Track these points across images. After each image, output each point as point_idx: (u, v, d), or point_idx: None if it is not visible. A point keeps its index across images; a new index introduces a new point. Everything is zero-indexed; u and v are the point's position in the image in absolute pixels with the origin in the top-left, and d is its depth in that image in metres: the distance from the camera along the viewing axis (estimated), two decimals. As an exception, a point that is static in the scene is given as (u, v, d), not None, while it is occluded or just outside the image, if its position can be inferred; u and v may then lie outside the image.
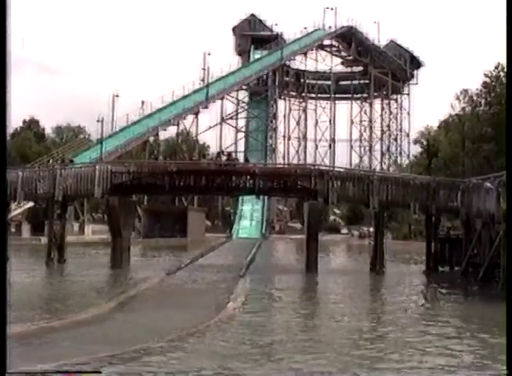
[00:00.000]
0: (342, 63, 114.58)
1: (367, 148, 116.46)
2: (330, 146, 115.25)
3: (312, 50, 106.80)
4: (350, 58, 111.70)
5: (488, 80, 65.39)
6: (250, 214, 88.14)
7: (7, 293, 9.36)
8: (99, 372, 10.14)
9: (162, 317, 18.48)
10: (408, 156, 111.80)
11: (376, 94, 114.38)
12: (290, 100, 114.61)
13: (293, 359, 13.06)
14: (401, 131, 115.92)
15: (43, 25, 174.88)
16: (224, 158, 39.49)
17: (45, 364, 10.91)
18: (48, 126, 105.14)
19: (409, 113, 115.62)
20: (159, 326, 16.62)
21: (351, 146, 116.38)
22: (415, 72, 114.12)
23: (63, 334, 15.31)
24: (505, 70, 55.66)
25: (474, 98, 69.43)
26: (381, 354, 14.02)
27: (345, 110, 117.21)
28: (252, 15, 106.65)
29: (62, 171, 37.68)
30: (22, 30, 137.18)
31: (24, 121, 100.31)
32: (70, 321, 17.02)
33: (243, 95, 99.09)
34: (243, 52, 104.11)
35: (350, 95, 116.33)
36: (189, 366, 12.38)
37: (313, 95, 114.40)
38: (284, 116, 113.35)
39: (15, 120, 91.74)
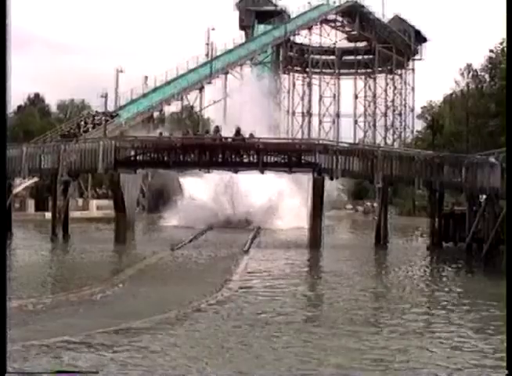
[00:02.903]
0: (346, 38, 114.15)
1: (371, 123, 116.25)
2: (334, 121, 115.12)
3: (316, 25, 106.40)
4: (354, 33, 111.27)
5: (492, 55, 65.11)
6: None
7: (6, 294, 9.41)
8: (96, 372, 10.24)
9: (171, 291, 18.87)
10: (412, 131, 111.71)
11: (380, 69, 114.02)
12: (294, 75, 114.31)
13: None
14: (405, 106, 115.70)
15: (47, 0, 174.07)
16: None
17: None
18: (52, 102, 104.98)
19: (413, 89, 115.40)
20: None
21: (356, 122, 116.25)
22: (419, 47, 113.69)
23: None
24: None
25: (479, 73, 69.21)
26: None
27: (349, 85, 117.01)
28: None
29: (66, 146, 37.75)
30: (26, 5, 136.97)
31: (29, 97, 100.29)
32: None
33: (247, 70, 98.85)
34: (246, 27, 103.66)
35: (354, 71, 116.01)
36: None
37: (317, 71, 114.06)
38: (288, 91, 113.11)
39: (19, 96, 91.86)
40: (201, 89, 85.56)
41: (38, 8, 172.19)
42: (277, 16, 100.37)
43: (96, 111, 67.12)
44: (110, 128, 67.03)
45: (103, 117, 65.49)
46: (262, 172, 37.45)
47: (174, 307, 15.88)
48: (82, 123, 65.09)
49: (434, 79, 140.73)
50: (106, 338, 12.69)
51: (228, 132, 39.17)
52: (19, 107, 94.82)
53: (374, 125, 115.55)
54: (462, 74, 71.86)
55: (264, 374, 10.90)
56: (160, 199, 74.21)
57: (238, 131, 38.06)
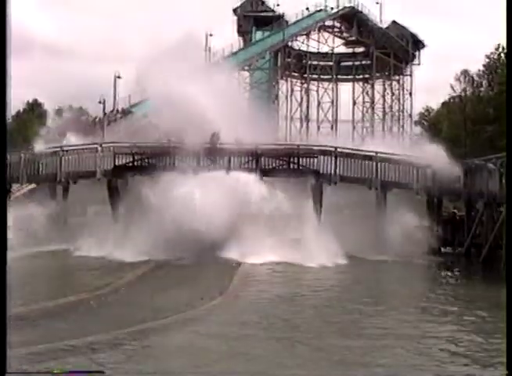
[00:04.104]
0: (344, 44, 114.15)
1: (369, 129, 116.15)
2: (332, 126, 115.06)
3: (314, 31, 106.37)
4: (352, 39, 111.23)
5: (489, 61, 65.23)
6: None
7: (7, 295, 9.37)
8: (103, 372, 10.17)
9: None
10: (410, 137, 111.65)
11: (378, 75, 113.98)
12: (292, 81, 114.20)
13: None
14: (403, 112, 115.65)
15: (47, 6, 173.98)
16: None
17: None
18: (50, 108, 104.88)
19: (411, 94, 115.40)
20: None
21: (354, 127, 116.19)
22: (417, 53, 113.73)
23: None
24: (505, 50, 55.53)
25: (476, 79, 69.33)
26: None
27: (347, 90, 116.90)
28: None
29: (64, 152, 37.75)
30: (27, 11, 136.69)
31: (28, 103, 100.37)
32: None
33: (245, 76, 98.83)
34: (244, 33, 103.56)
35: (352, 76, 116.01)
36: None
37: (315, 76, 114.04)
38: (286, 97, 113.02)
39: (18, 101, 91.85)
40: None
41: (38, 13, 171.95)
42: (275, 21, 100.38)
43: (111, 110, 67.79)
44: (126, 124, 68.26)
45: (118, 115, 66.56)
46: (261, 178, 37.29)
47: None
48: (97, 120, 65.86)
49: (431, 85, 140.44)
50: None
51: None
52: (18, 113, 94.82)
53: (372, 131, 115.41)
54: (458, 80, 71.93)
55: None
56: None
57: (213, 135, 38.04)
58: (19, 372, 9.88)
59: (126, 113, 67.37)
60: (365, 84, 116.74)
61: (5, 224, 10.36)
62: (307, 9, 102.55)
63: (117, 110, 66.39)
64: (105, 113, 63.86)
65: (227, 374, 10.82)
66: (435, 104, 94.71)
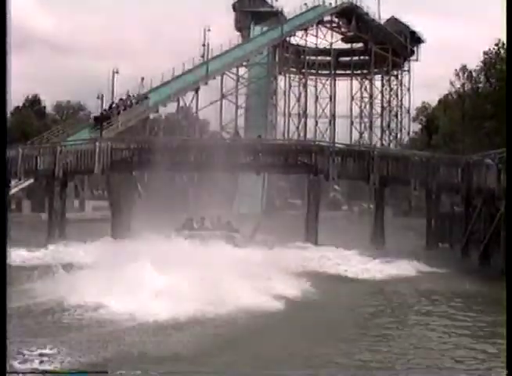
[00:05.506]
0: (342, 39, 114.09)
1: (367, 124, 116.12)
2: (330, 122, 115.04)
3: (312, 26, 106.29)
4: (350, 34, 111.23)
5: (487, 57, 65.14)
6: (250, 190, 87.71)
7: (6, 294, 9.34)
8: (106, 372, 10.14)
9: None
10: (408, 132, 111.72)
11: (376, 70, 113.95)
12: (290, 76, 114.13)
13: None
14: (401, 107, 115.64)
15: (47, 2, 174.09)
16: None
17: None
18: (49, 103, 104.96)
19: (409, 90, 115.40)
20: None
21: (352, 123, 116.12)
22: (415, 48, 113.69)
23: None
24: (505, 46, 55.52)
25: (474, 75, 69.27)
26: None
27: (345, 86, 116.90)
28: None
29: (62, 147, 37.76)
30: (27, 7, 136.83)
31: (27, 98, 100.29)
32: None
33: (243, 72, 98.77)
34: (243, 28, 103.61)
35: (350, 72, 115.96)
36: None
37: (313, 72, 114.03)
38: (284, 92, 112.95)
39: (16, 96, 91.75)
40: (197, 90, 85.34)
41: (38, 9, 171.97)
42: (273, 17, 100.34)
43: (128, 95, 68.27)
44: (141, 109, 68.95)
45: (134, 100, 67.40)
46: (258, 174, 37.38)
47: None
48: (114, 105, 65.98)
49: (430, 80, 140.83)
50: None
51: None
52: (16, 109, 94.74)
53: (370, 126, 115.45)
54: (457, 75, 71.90)
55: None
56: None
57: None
58: (19, 372, 9.86)
59: (141, 98, 67.96)
60: (364, 80, 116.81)
61: (5, 224, 10.34)
62: (305, 4, 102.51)
63: (133, 95, 66.80)
64: (107, 108, 63.98)
65: (227, 373, 10.82)
66: (433, 100, 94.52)
